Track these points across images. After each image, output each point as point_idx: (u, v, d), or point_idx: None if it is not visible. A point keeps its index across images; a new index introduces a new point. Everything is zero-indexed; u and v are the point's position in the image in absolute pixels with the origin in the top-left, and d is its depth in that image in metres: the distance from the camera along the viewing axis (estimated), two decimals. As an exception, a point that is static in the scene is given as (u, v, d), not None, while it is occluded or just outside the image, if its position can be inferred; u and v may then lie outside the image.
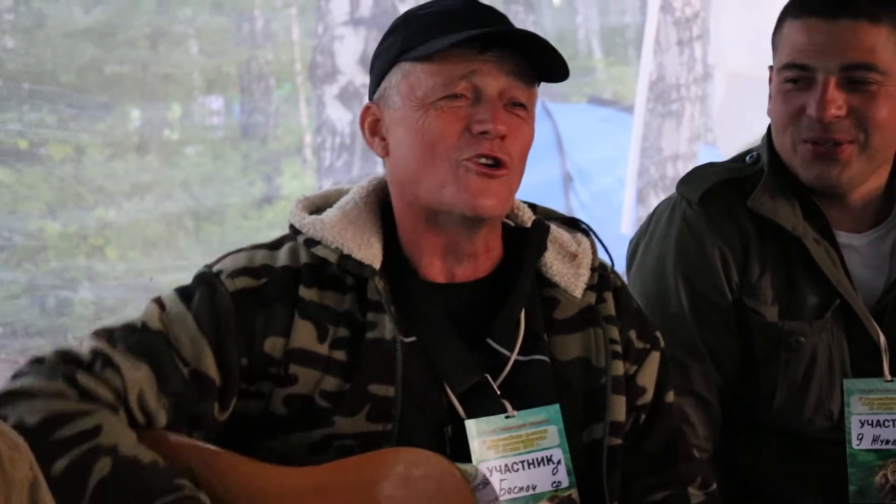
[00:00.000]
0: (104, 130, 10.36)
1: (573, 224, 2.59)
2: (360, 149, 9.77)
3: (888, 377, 2.84)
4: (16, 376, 2.33)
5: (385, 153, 2.46)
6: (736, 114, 7.24)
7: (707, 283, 2.85)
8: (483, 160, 2.35)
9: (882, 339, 2.84)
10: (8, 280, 9.30)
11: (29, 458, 2.00)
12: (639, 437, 2.54)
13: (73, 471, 2.23)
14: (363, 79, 9.60)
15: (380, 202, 2.49)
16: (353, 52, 9.52)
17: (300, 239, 2.43)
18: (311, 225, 2.43)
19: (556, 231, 2.54)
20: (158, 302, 2.41)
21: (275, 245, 2.46)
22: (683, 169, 10.67)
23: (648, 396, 2.55)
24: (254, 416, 2.41)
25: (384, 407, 2.36)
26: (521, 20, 14.72)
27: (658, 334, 2.59)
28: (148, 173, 10.59)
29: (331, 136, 9.84)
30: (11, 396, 2.28)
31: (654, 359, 2.56)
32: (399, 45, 2.41)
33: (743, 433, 2.92)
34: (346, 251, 2.40)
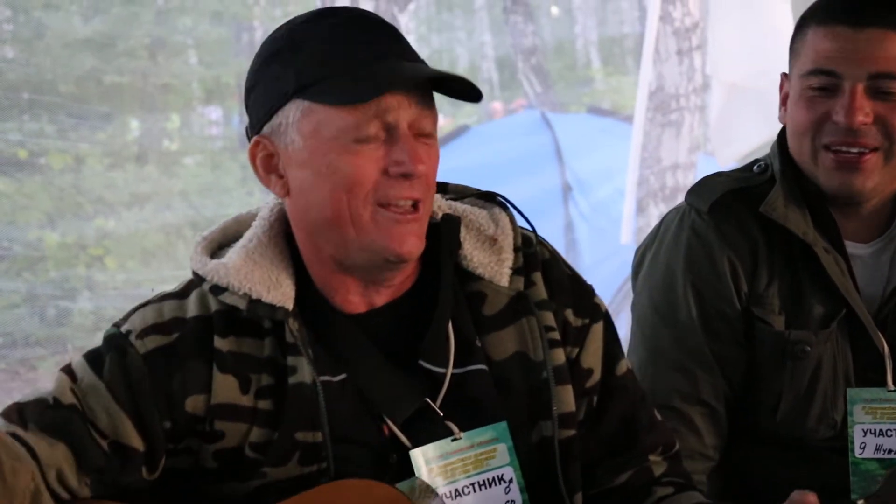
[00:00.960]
0: (104, 140, 10.37)
1: (488, 198, 2.45)
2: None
3: (891, 387, 2.84)
4: None
5: (285, 193, 2.30)
6: (733, 124, 7.22)
7: (716, 292, 2.85)
8: (402, 203, 2.24)
9: (886, 348, 2.84)
10: (7, 290, 9.30)
11: (31, 469, 1.98)
12: (594, 420, 2.43)
13: None
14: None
15: (284, 233, 2.35)
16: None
17: (205, 286, 2.30)
18: (214, 271, 2.29)
19: (470, 215, 2.40)
20: (69, 372, 2.30)
21: (182, 293, 2.33)
22: (683, 179, 10.66)
23: (597, 376, 2.43)
24: (185, 469, 2.33)
25: (314, 452, 2.28)
26: (521, 30, 14.74)
27: (597, 301, 2.47)
28: (147, 183, 10.59)
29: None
30: None
31: (597, 332, 2.44)
32: (293, 78, 2.24)
33: (746, 441, 2.92)
34: (254, 296, 2.27)
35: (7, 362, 9.23)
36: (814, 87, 2.80)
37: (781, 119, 2.91)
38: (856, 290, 2.84)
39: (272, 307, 2.28)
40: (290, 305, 2.29)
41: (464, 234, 2.38)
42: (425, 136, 2.26)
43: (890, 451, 2.82)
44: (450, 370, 2.32)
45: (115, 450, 2.26)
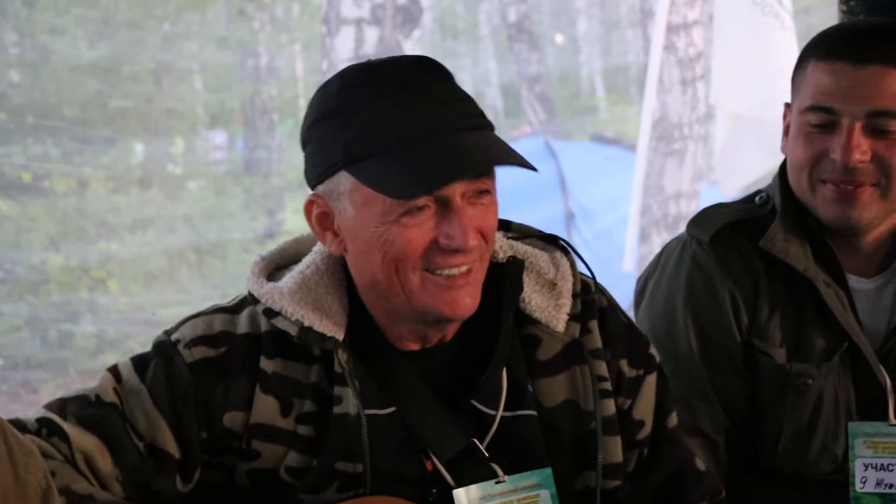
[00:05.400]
0: (108, 164, 10.38)
1: (550, 240, 2.43)
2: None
3: (893, 421, 2.83)
4: None
5: (342, 251, 2.29)
6: (737, 154, 7.23)
7: (716, 324, 2.84)
8: (453, 271, 2.21)
9: (888, 382, 2.83)
10: (9, 312, 9.30)
11: (42, 466, 2.00)
12: (644, 471, 2.44)
13: None
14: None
15: (342, 263, 2.34)
16: (357, 89, 9.52)
17: (259, 308, 2.30)
18: (269, 294, 2.29)
19: (531, 257, 2.38)
20: (114, 372, 2.32)
21: (235, 309, 2.34)
22: (686, 208, 10.67)
23: (648, 428, 2.43)
24: (217, 485, 2.34)
25: (353, 481, 2.28)
26: (525, 58, 14.77)
27: (652, 352, 2.45)
28: (151, 207, 10.59)
29: (334, 173, 9.84)
30: None
31: (650, 384, 2.44)
32: (341, 150, 2.20)
33: (746, 474, 2.92)
34: (306, 323, 2.27)
35: (8, 385, 9.22)
36: (812, 123, 2.79)
37: (783, 149, 2.90)
38: (858, 325, 2.83)
39: (322, 336, 2.28)
40: (340, 336, 2.29)
41: (524, 276, 2.37)
42: (482, 194, 2.22)
43: (891, 486, 2.81)
44: (500, 412, 2.32)
45: (150, 452, 2.28)
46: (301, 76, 13.40)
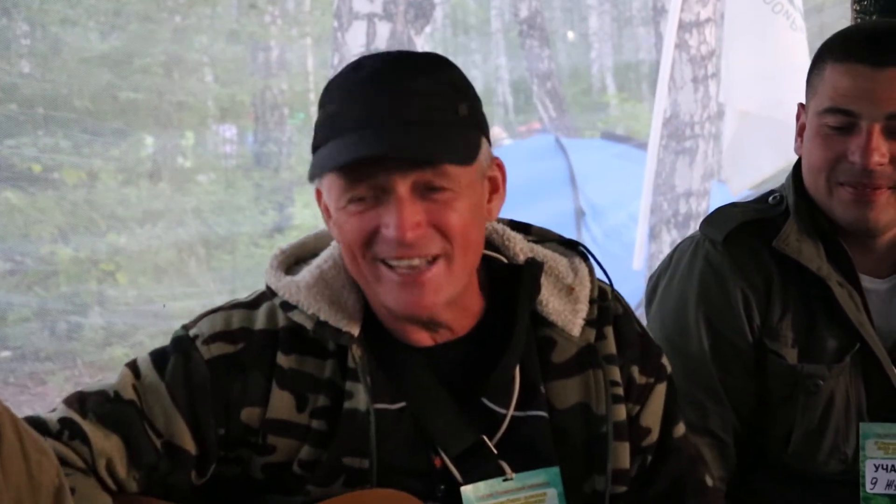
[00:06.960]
0: (118, 156, 10.39)
1: (570, 246, 2.44)
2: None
3: (905, 421, 2.83)
4: None
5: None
6: (745, 153, 7.21)
7: (728, 324, 2.84)
8: (404, 262, 2.18)
9: (900, 383, 2.83)
10: (18, 304, 9.30)
11: (55, 465, 2.00)
12: (646, 479, 2.43)
13: None
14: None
15: None
16: (368, 83, 9.52)
17: (276, 301, 2.31)
18: (286, 288, 2.30)
19: (550, 261, 2.38)
20: (133, 368, 2.33)
21: (253, 304, 2.34)
22: (696, 206, 10.65)
23: (654, 436, 2.43)
24: (231, 478, 2.35)
25: (359, 477, 2.28)
26: (537, 54, 14.76)
27: (664, 361, 2.45)
28: (160, 200, 10.61)
29: (344, 167, 9.85)
30: None
31: (659, 392, 2.43)
32: (315, 134, 2.24)
33: (755, 473, 2.91)
34: (322, 317, 2.27)
35: (16, 376, 9.23)
36: (830, 125, 2.78)
37: (797, 150, 2.89)
38: (871, 325, 2.83)
39: (338, 331, 2.28)
40: (355, 331, 2.29)
41: (543, 279, 2.36)
42: (437, 191, 2.18)
43: (901, 487, 2.81)
44: (510, 412, 2.31)
45: (167, 450, 2.29)
46: (312, 70, 13.42)
